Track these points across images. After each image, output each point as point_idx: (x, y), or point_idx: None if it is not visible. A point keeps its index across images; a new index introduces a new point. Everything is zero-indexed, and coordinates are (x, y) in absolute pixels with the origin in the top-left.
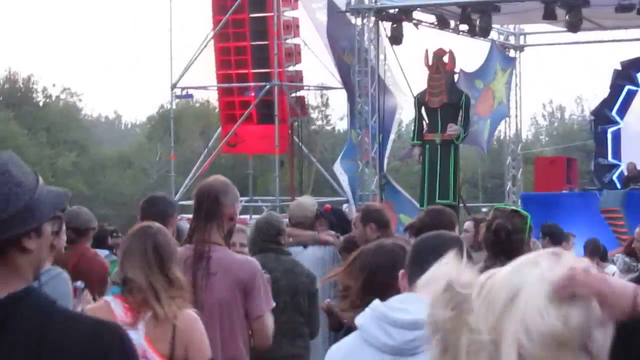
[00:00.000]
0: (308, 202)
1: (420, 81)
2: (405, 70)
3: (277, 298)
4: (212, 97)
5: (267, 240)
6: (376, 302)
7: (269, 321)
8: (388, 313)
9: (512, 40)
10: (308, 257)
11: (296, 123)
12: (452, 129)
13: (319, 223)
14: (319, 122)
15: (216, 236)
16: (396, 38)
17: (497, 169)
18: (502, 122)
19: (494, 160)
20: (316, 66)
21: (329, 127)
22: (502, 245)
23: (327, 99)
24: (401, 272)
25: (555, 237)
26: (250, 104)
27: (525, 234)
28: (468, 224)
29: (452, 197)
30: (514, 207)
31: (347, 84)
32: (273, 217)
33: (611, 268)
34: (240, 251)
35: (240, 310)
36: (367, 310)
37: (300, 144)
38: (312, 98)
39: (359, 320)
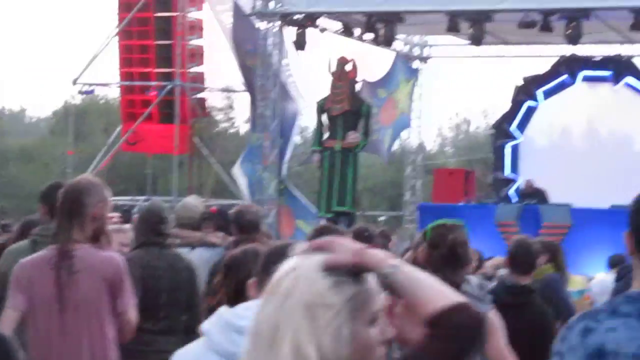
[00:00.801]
0: (193, 202)
1: (322, 88)
2: (308, 76)
3: (159, 294)
4: (116, 94)
5: (150, 230)
6: (222, 309)
7: (133, 315)
8: (233, 320)
9: (416, 51)
10: (195, 258)
11: (197, 124)
12: (353, 136)
13: (206, 225)
14: (224, 124)
15: (79, 235)
16: (300, 44)
17: (398, 179)
18: (406, 133)
19: (396, 170)
20: (222, 68)
21: (233, 130)
22: (461, 260)
23: (233, 102)
24: (252, 280)
25: None
26: (152, 103)
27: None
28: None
29: (349, 204)
30: (449, 221)
31: (250, 87)
32: (155, 205)
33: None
34: (120, 250)
35: (107, 307)
36: (214, 316)
37: (200, 144)
38: (217, 100)
39: (205, 326)
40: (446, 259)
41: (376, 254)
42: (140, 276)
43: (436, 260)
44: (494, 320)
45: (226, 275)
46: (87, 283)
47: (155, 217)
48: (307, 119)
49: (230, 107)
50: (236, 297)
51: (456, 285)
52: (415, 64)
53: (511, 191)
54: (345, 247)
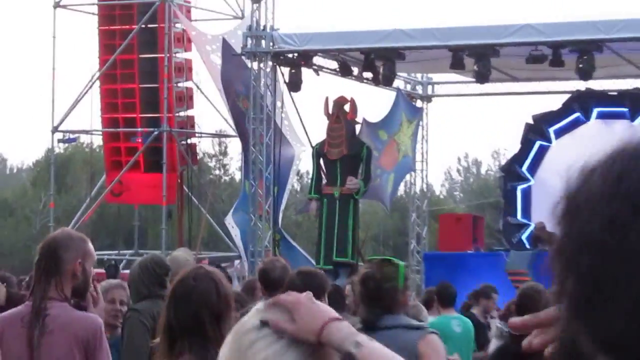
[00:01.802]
0: (184, 256)
1: (319, 131)
2: (304, 118)
3: None
4: (100, 141)
5: (155, 283)
6: None
7: None
8: None
9: (419, 89)
10: None
11: (187, 172)
12: (352, 182)
13: None
14: (217, 172)
15: (56, 293)
16: (295, 84)
17: (402, 226)
18: (408, 176)
19: (401, 217)
20: (212, 112)
21: (227, 177)
22: (372, 294)
23: (226, 147)
24: None
25: (444, 298)
26: (138, 151)
27: (398, 282)
28: (347, 288)
29: (350, 255)
30: (386, 257)
31: (241, 132)
32: (158, 256)
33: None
34: (120, 309)
35: None
36: None
37: (190, 194)
38: (209, 146)
39: None
40: (363, 296)
41: (340, 329)
42: (151, 327)
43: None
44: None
45: None
46: (60, 343)
47: (160, 269)
48: (304, 164)
49: (223, 153)
50: None
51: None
52: (419, 103)
53: (523, 237)
54: (309, 313)
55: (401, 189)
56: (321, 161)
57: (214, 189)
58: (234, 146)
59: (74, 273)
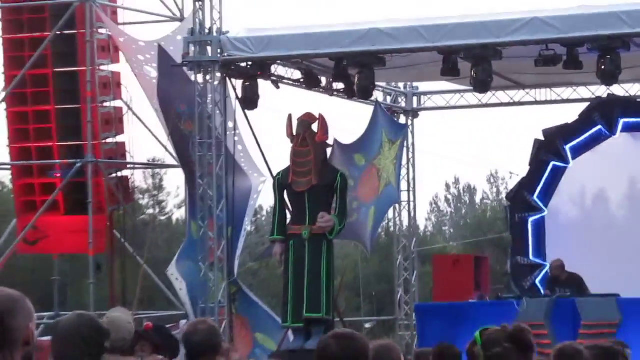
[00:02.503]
0: (123, 318)
1: (282, 157)
2: (262, 142)
3: None
4: (6, 177)
5: (92, 354)
6: None
7: None
8: None
9: (402, 102)
10: None
11: (118, 212)
12: (324, 219)
13: (141, 346)
14: (150, 211)
15: None
16: (250, 100)
17: (386, 271)
18: (391, 210)
19: (383, 260)
20: (147, 137)
21: (163, 217)
22: None
23: (161, 180)
24: None
25: None
26: (56, 188)
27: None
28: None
29: (324, 310)
30: (507, 325)
31: (185, 160)
32: (93, 319)
33: None
34: None
35: None
36: None
37: (123, 240)
38: (140, 179)
39: None
40: None
41: None
42: None
43: None
44: None
45: None
46: None
47: (99, 335)
48: (264, 199)
49: (158, 187)
50: None
51: None
52: (402, 119)
53: (537, 281)
54: None
55: (382, 225)
56: (285, 194)
57: (151, 233)
58: (173, 178)
59: (26, 341)
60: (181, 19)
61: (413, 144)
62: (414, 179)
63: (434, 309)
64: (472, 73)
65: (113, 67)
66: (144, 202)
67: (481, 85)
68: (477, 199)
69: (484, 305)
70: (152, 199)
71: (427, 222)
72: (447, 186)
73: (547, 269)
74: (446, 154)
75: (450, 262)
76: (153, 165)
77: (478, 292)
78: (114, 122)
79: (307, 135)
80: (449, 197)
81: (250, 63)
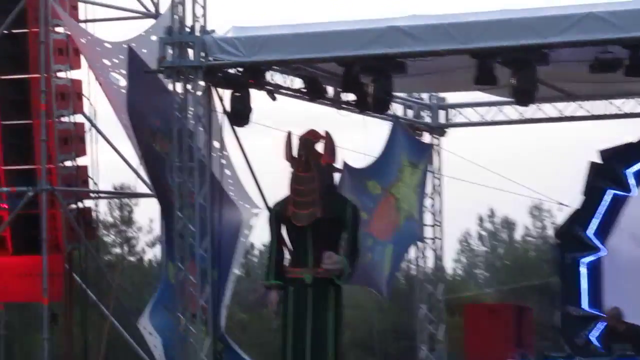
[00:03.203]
0: None
1: (279, 184)
2: (255, 166)
3: None
4: None
5: None
6: None
7: None
8: None
9: (426, 117)
10: None
11: (78, 252)
12: (332, 261)
13: None
14: (117, 250)
15: None
16: (240, 115)
17: (406, 325)
18: (413, 249)
19: (403, 311)
20: (114, 159)
21: (133, 258)
22: None
23: (131, 212)
24: None
25: None
26: (3, 222)
27: None
28: None
29: None
30: None
31: (161, 189)
32: None
33: None
34: None
35: None
36: None
37: (84, 286)
38: (106, 211)
39: None
40: None
41: None
42: None
43: None
44: None
45: None
46: None
47: None
48: (257, 236)
49: (127, 220)
50: None
51: None
52: (426, 138)
53: (592, 336)
54: None
55: (403, 268)
56: (284, 230)
57: (118, 277)
58: (145, 210)
59: None
60: (156, 15)
61: (439, 169)
62: (440, 211)
63: None
64: (512, 81)
65: (73, 74)
66: (110, 239)
67: (523, 95)
68: (518, 236)
69: None
70: (120, 236)
71: (456, 264)
72: (481, 220)
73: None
74: (480, 180)
75: (485, 313)
76: (121, 194)
77: (519, 351)
78: (74, 141)
79: (310, 157)
80: (483, 233)
81: (240, 69)
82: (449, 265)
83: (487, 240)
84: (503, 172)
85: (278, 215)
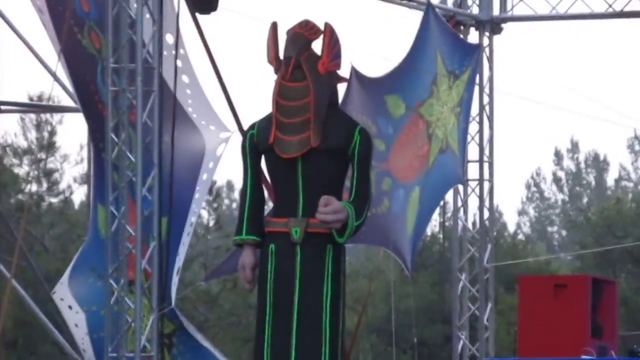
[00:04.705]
0: None
1: (259, 99)
2: (225, 72)
3: None
4: None
5: None
6: None
7: None
8: None
9: (474, 5)
10: None
11: None
12: (331, 207)
13: None
14: (32, 187)
15: None
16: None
17: (439, 302)
18: (450, 195)
19: (435, 283)
20: (22, 57)
21: (54, 199)
22: None
23: (52, 134)
24: None
25: None
26: None
27: None
28: None
29: None
30: None
31: (89, 101)
32: None
33: None
34: None
35: None
36: None
37: None
38: (15, 130)
39: None
40: None
41: None
42: None
43: None
44: None
45: None
46: None
47: None
48: (225, 170)
49: (47, 145)
50: None
51: None
52: (473, 36)
53: None
54: None
55: (432, 224)
56: (263, 163)
57: (25, 225)
58: (72, 130)
59: None
60: None
61: (491, 80)
62: (490, 141)
63: None
64: None
65: None
66: (22, 172)
67: None
68: (610, 179)
69: None
70: (36, 166)
71: (517, 217)
72: (557, 155)
73: None
74: (554, 100)
75: (550, 287)
76: (36, 106)
77: (597, 342)
78: None
79: (303, 60)
80: (560, 173)
81: None
82: (509, 219)
83: (567, 184)
84: (586, 89)
85: (256, 141)
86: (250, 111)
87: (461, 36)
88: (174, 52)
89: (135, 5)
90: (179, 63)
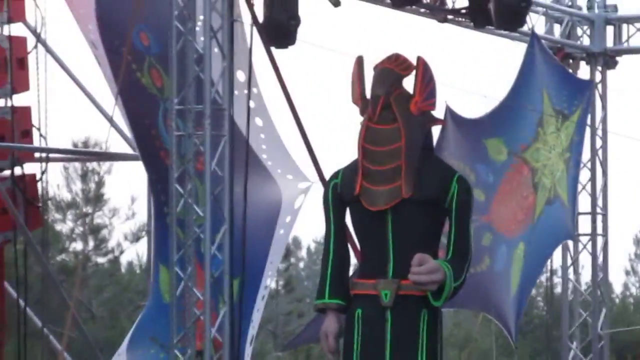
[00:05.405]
0: None
1: (343, 143)
2: (304, 112)
3: None
4: None
5: None
6: None
7: None
8: None
9: (584, 35)
10: None
11: (12, 245)
12: (425, 268)
13: None
14: (77, 245)
15: None
16: (281, 29)
17: None
18: (558, 251)
19: (541, 351)
20: (71, 97)
21: (102, 259)
22: None
23: (100, 184)
24: None
25: None
26: None
27: None
28: None
29: None
30: None
31: (149, 148)
32: None
33: None
34: None
35: None
36: None
37: (21, 302)
38: (60, 180)
39: None
40: None
41: None
42: None
43: None
44: None
45: None
46: None
47: None
48: (304, 226)
49: (97, 198)
50: None
51: None
52: (584, 71)
53: None
54: None
55: (540, 281)
56: (348, 216)
57: (78, 290)
58: (124, 180)
59: None
60: None
61: (604, 120)
62: (604, 191)
63: None
64: None
65: None
66: (66, 228)
67: None
68: None
69: None
70: (82, 222)
71: (624, 276)
72: None
73: None
74: None
75: None
76: (85, 153)
77: None
78: (8, 66)
79: (393, 99)
80: None
81: None
82: (618, 279)
83: None
84: None
85: (340, 192)
86: (333, 158)
87: (570, 71)
88: (246, 91)
89: (202, 39)
90: (251, 104)
